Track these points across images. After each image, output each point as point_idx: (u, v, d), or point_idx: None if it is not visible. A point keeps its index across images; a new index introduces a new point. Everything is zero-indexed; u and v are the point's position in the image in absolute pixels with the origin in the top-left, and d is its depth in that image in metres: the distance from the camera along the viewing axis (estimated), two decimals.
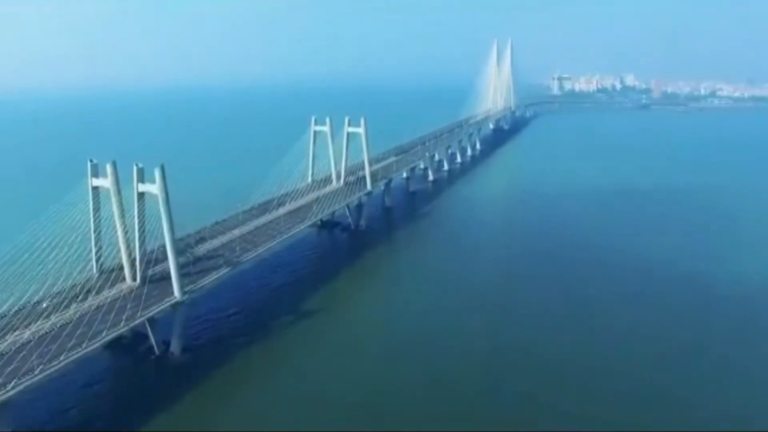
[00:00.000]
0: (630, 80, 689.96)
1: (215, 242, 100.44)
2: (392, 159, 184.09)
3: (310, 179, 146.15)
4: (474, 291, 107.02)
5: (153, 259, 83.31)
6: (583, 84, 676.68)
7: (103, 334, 67.08)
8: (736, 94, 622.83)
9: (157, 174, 76.65)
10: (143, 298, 77.76)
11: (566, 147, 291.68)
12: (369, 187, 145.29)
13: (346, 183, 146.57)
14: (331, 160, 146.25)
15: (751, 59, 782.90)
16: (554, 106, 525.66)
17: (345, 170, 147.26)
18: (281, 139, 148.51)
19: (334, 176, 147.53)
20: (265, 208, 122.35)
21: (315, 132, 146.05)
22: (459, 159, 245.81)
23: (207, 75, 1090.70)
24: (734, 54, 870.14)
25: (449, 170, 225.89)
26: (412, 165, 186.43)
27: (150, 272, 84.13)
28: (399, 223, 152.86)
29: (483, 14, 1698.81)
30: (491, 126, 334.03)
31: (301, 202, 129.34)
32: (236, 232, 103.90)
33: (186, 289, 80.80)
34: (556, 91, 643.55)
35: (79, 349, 63.58)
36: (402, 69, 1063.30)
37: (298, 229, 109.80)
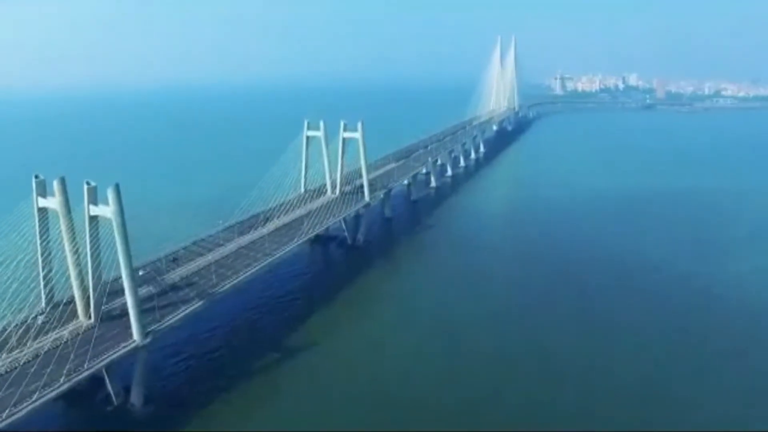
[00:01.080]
0: (633, 80, 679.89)
1: (190, 267, 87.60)
2: (392, 165, 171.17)
3: (302, 189, 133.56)
4: (482, 317, 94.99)
5: (111, 291, 70.80)
6: (585, 84, 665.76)
7: (33, 397, 54.15)
8: (741, 94, 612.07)
9: (110, 195, 63.73)
10: (95, 340, 64.95)
11: (572, 150, 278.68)
12: (367, 198, 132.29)
13: (341, 193, 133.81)
14: (326, 168, 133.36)
15: (754, 59, 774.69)
16: (557, 106, 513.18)
17: (341, 179, 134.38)
18: (275, 143, 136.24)
19: (328, 186, 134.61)
20: (250, 223, 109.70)
21: (308, 137, 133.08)
22: (463, 163, 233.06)
23: (207, 74, 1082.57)
24: (736, 53, 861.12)
25: (453, 175, 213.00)
26: (413, 172, 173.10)
27: (107, 307, 71.53)
28: (400, 237, 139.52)
29: (484, 14, 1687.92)
30: (494, 128, 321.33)
31: (291, 215, 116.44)
32: (214, 255, 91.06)
33: (148, 330, 67.94)
34: (558, 90, 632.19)
35: None
36: (403, 69, 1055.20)
37: (284, 252, 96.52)
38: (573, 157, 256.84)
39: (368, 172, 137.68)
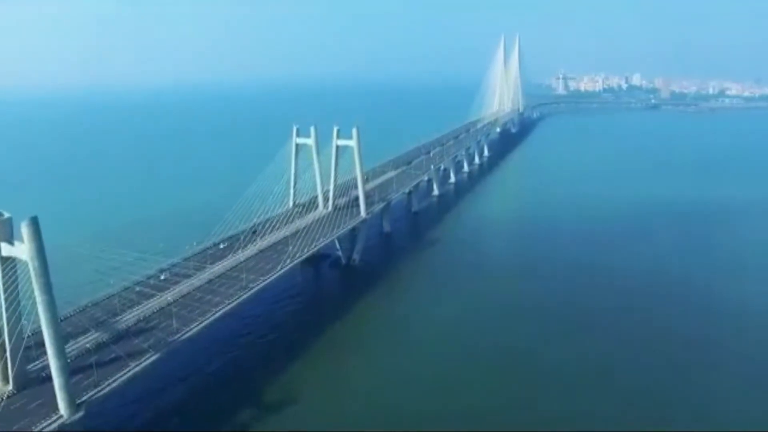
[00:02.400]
0: (636, 80, 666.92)
1: (149, 305, 72.72)
2: (391, 173, 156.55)
3: (291, 203, 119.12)
4: (493, 349, 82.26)
5: (35, 345, 56.09)
6: (588, 84, 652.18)
7: None
8: (746, 94, 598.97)
9: (25, 231, 48.89)
10: (8, 415, 50.36)
11: (579, 154, 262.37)
12: (363, 213, 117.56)
13: (335, 207, 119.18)
14: (317, 179, 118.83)
15: (756, 58, 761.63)
16: (560, 106, 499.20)
17: (334, 192, 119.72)
18: (267, 148, 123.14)
19: (320, 199, 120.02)
20: (229, 245, 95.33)
21: (297, 145, 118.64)
22: (466, 168, 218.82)
23: (205, 74, 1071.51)
24: (738, 53, 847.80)
25: (456, 182, 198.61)
26: (414, 182, 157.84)
27: (34, 366, 56.95)
28: (400, 256, 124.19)
29: (485, 14, 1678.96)
30: (498, 130, 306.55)
31: (277, 235, 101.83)
32: (180, 290, 76.30)
33: (81, 400, 53.21)
34: (561, 90, 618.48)
35: None
36: (404, 69, 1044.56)
37: (263, 283, 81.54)
38: (581, 162, 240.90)
39: (365, 182, 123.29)
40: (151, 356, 61.17)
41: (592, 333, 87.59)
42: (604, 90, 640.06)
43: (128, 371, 58.32)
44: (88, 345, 60.95)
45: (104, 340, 62.82)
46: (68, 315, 66.32)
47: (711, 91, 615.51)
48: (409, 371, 76.79)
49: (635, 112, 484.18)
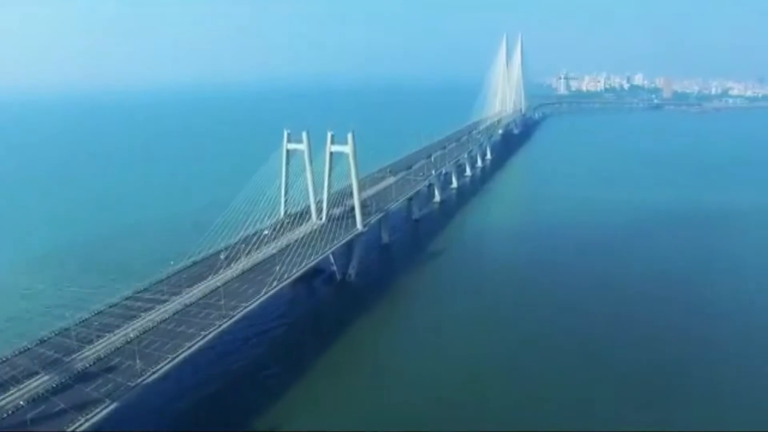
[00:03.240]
0: (638, 79, 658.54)
1: (112, 341, 63.12)
2: (390, 179, 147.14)
3: (282, 214, 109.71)
4: (501, 374, 75.01)
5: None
6: (589, 83, 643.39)
7: None
8: (749, 94, 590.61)
9: None
10: None
11: (585, 156, 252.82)
12: (359, 226, 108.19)
13: (329, 218, 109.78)
14: (310, 188, 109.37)
15: (758, 57, 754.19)
16: (562, 107, 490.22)
17: (328, 201, 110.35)
18: (261, 150, 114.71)
19: (313, 209, 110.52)
20: (210, 264, 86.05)
21: (288, 151, 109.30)
22: (469, 171, 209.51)
23: (202, 75, 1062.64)
24: (740, 52, 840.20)
25: (458, 187, 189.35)
26: (414, 190, 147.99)
27: None
28: (400, 269, 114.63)
29: (485, 14, 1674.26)
30: (500, 131, 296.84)
31: (265, 251, 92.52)
32: (149, 319, 66.84)
33: None
34: (562, 90, 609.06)
35: None
36: (407, 69, 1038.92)
37: (246, 311, 72.07)
38: (585, 164, 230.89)
39: (361, 190, 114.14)
40: (106, 406, 51.70)
41: (606, 355, 79.80)
42: (606, 90, 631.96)
43: (76, 428, 48.76)
44: (26, 396, 51.35)
45: (51, 387, 53.27)
46: (8, 357, 56.91)
47: (713, 90, 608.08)
48: (410, 400, 68.41)
49: (638, 113, 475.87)
